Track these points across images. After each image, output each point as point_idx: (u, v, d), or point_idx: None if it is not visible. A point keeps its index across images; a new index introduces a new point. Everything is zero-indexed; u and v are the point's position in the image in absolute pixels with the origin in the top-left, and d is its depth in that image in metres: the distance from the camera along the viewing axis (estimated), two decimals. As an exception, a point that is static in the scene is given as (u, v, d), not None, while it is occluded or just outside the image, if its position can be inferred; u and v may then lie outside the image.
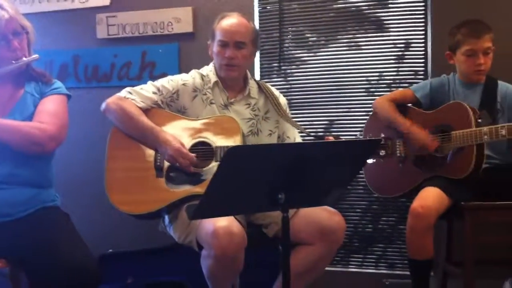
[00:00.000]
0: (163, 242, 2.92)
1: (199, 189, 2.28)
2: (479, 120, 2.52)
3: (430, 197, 2.47)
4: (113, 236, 3.58)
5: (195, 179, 2.33)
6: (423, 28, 3.23)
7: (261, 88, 2.57)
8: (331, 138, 2.23)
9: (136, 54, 3.61)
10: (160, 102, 2.46)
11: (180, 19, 3.54)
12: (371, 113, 2.93)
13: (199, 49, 3.48)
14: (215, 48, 2.48)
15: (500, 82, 2.69)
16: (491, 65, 2.64)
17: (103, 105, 2.46)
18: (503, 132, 2.42)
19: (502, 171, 2.60)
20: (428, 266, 2.53)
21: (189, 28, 3.52)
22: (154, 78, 2.55)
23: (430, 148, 2.60)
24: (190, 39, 3.54)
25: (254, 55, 2.56)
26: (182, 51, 3.55)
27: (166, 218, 2.42)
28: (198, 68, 2.59)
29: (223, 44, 2.44)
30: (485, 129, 2.46)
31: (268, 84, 2.64)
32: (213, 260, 2.10)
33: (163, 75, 2.70)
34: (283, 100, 2.61)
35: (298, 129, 2.54)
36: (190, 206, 2.28)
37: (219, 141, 2.37)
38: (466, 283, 2.50)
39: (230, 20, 2.47)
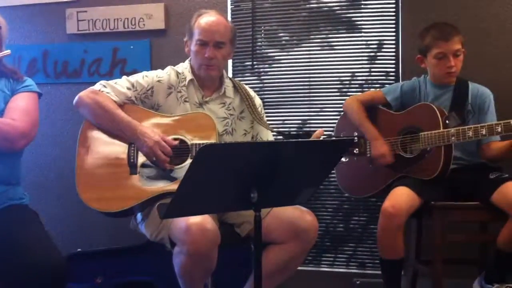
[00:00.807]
0: (134, 241, 2.89)
1: (173, 186, 2.25)
2: (447, 122, 2.56)
3: (401, 197, 2.49)
4: (85, 235, 3.54)
5: (169, 176, 2.30)
6: (394, 29, 3.26)
7: (236, 88, 2.55)
8: (321, 132, 2.23)
9: (107, 50, 3.57)
10: (134, 98, 2.43)
11: (152, 15, 3.50)
12: (343, 112, 2.94)
13: (171, 46, 3.46)
14: (193, 47, 2.44)
15: (470, 84, 2.73)
16: (461, 66, 2.67)
17: (76, 99, 2.41)
18: (470, 133, 2.46)
19: (470, 171, 2.64)
20: (399, 265, 2.56)
21: (161, 25, 3.49)
22: (125, 74, 2.50)
23: (386, 162, 2.65)
24: (162, 35, 3.50)
25: (232, 53, 2.55)
26: (154, 47, 3.51)
27: (139, 215, 2.39)
28: (170, 65, 2.56)
29: (203, 44, 2.41)
30: (452, 130, 2.50)
31: (244, 84, 2.62)
32: (185, 257, 2.08)
33: (134, 71, 2.67)
34: (258, 101, 2.60)
35: (273, 132, 2.53)
36: (161, 205, 2.24)
37: (194, 138, 2.34)
38: (435, 282, 2.53)
39: (209, 18, 2.44)
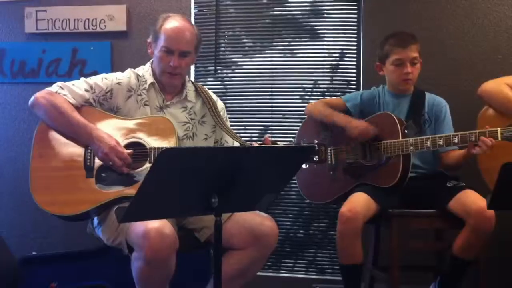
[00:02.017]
0: (91, 245, 2.84)
1: (131, 190, 2.22)
2: (406, 131, 2.60)
3: (358, 202, 2.52)
4: (40, 238, 3.45)
5: (127, 180, 2.27)
6: (356, 39, 3.31)
7: (198, 92, 2.53)
8: (268, 140, 2.23)
9: (66, 50, 3.50)
10: (92, 100, 2.38)
11: (113, 17, 3.46)
12: (304, 119, 2.96)
13: (132, 48, 3.42)
14: (158, 52, 2.40)
15: (427, 94, 2.79)
16: (420, 77, 2.73)
17: (32, 100, 2.35)
18: (428, 143, 2.51)
19: (428, 179, 2.69)
20: (358, 270, 2.58)
21: (122, 27, 3.45)
22: (84, 76, 2.46)
23: (371, 131, 2.63)
24: (124, 37, 3.47)
25: (195, 59, 2.54)
26: (115, 49, 3.47)
27: (95, 219, 2.34)
28: (130, 68, 2.52)
29: (168, 52, 2.38)
30: (411, 140, 2.55)
31: (206, 88, 2.61)
32: (143, 262, 2.05)
33: (94, 73, 2.63)
34: (220, 104, 2.58)
35: (233, 136, 2.50)
36: (119, 209, 2.21)
37: (153, 142, 2.32)
38: (391, 287, 2.56)
39: (176, 25, 2.40)
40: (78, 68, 3.49)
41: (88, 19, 3.48)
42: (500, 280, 2.88)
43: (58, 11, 3.51)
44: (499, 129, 2.37)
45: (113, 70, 3.30)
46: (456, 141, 2.46)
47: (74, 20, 3.49)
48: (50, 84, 2.41)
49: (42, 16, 3.52)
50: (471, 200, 2.45)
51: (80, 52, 3.49)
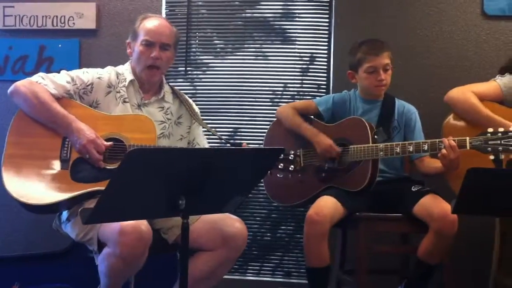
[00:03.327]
0: (53, 247, 2.79)
1: (105, 185, 2.19)
2: (376, 137, 2.63)
3: (325, 205, 2.53)
4: (1, 239, 3.37)
5: (103, 175, 2.25)
6: (326, 43, 3.33)
7: (175, 94, 2.55)
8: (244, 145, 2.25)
9: (33, 47, 3.44)
10: (72, 92, 2.37)
11: (82, 15, 3.41)
12: (273, 121, 2.95)
13: (101, 47, 3.38)
14: (138, 47, 2.43)
15: (397, 100, 2.82)
16: (390, 84, 2.76)
17: (12, 88, 2.33)
18: (398, 150, 2.53)
19: (394, 184, 2.71)
20: (324, 273, 2.59)
21: (91, 25, 3.41)
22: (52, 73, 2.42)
23: (334, 152, 2.65)
24: (93, 36, 3.42)
25: (174, 59, 2.55)
26: (83, 47, 3.43)
27: (64, 214, 2.31)
28: (99, 67, 2.50)
29: (149, 44, 2.41)
30: (381, 145, 2.57)
31: (182, 92, 2.62)
32: (117, 259, 2.04)
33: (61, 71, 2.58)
34: (196, 108, 2.62)
35: (212, 132, 2.55)
36: (84, 210, 2.17)
37: (133, 139, 2.30)
38: (358, 291, 2.58)
39: (155, 21, 2.46)
40: (45, 66, 3.43)
41: (57, 16, 3.42)
42: (464, 283, 2.93)
43: (26, 7, 3.44)
44: (467, 138, 2.40)
45: (80, 68, 3.25)
46: (425, 148, 2.49)
47: (42, 16, 3.43)
48: (16, 81, 2.36)
49: (10, 12, 3.45)
50: (435, 204, 2.48)
51: (47, 49, 3.43)
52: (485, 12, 3.16)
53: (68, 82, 2.36)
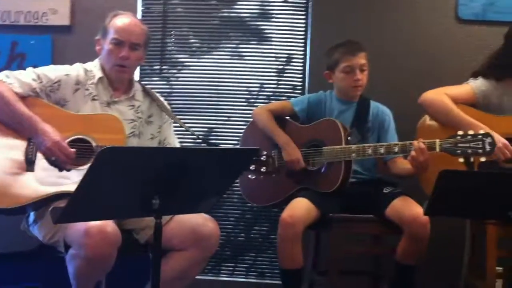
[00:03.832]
0: (24, 247, 2.74)
1: (72, 187, 2.14)
2: (349, 138, 2.64)
3: (299, 208, 2.54)
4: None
5: (69, 177, 2.21)
6: (303, 44, 3.34)
7: (146, 92, 2.52)
8: None
9: (4, 43, 3.38)
10: (38, 90, 2.31)
11: (56, 11, 3.36)
12: (250, 122, 2.95)
13: (75, 44, 3.33)
14: (107, 46, 2.39)
15: (372, 102, 2.84)
16: (366, 87, 2.78)
17: None
18: (369, 151, 2.55)
19: (367, 185, 2.73)
20: (298, 275, 2.59)
21: (65, 21, 3.35)
22: (24, 70, 2.38)
23: (298, 166, 2.68)
24: (66, 32, 3.37)
25: (144, 58, 2.52)
26: (57, 44, 3.37)
27: (31, 216, 2.27)
28: (74, 63, 2.47)
29: (118, 43, 2.37)
30: (353, 147, 2.59)
31: (153, 91, 2.59)
32: (82, 261, 2.01)
33: (34, 67, 2.53)
34: (168, 107, 2.59)
35: (186, 129, 2.54)
36: (55, 209, 2.14)
37: (100, 139, 2.26)
38: (330, 292, 2.60)
39: (126, 19, 2.42)
40: (17, 62, 3.36)
41: (30, 12, 3.36)
42: (435, 284, 2.96)
43: (-3, 2, 3.39)
44: (437, 140, 2.43)
45: (53, 65, 3.20)
46: (396, 150, 2.51)
47: (15, 12, 3.37)
48: (-14, 77, 2.32)
49: (-20, 7, 3.39)
50: (406, 207, 2.50)
51: (20, 45, 3.37)
52: (459, 17, 3.20)
53: (34, 80, 2.31)
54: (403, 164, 2.66)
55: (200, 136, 3.18)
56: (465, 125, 2.52)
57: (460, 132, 2.38)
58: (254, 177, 2.60)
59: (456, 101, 2.66)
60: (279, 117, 2.84)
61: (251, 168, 2.44)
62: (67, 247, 2.11)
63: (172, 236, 2.18)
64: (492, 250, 2.50)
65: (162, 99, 2.58)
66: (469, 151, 2.34)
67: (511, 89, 2.67)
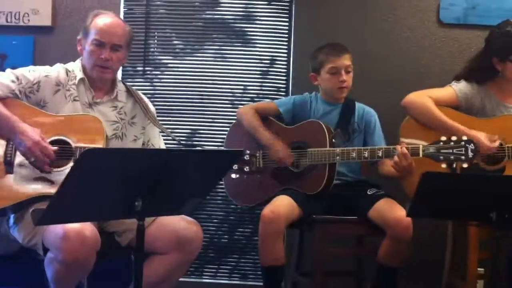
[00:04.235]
0: (2, 250, 2.71)
1: (52, 189, 2.13)
2: (333, 140, 2.65)
3: (281, 204, 2.55)
4: None
5: (48, 178, 2.18)
6: (286, 46, 3.35)
7: (130, 93, 2.49)
8: None
9: (-15, 44, 3.34)
10: (18, 92, 2.28)
11: (38, 11, 3.32)
12: (233, 122, 2.95)
13: (57, 45, 3.30)
14: (88, 46, 2.36)
15: (357, 104, 2.85)
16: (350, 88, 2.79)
17: None
18: (354, 154, 2.57)
19: (351, 187, 2.74)
20: (279, 272, 2.59)
21: (47, 22, 3.32)
22: (4, 71, 2.35)
23: (287, 162, 2.67)
24: (48, 33, 3.33)
25: (127, 57, 2.49)
26: (38, 45, 3.33)
27: (11, 218, 2.24)
28: (54, 65, 2.44)
29: (99, 44, 2.34)
30: (337, 150, 2.60)
31: (138, 91, 2.56)
32: (60, 265, 1.99)
33: (15, 68, 2.50)
34: (152, 108, 2.55)
35: (169, 135, 2.50)
36: (36, 211, 2.11)
37: (79, 140, 2.23)
38: (313, 293, 2.60)
39: (107, 19, 2.38)
40: (-2, 62, 3.33)
41: (11, 12, 3.32)
42: (417, 285, 2.98)
43: (-22, 2, 3.34)
44: (421, 146, 2.44)
45: (35, 65, 3.17)
46: (380, 154, 2.53)
47: (-4, 12, 3.33)
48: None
49: (-40, 6, 3.34)
50: (389, 209, 2.52)
51: (1, 46, 3.32)
52: (441, 20, 3.23)
53: (13, 82, 2.28)
54: (390, 166, 2.68)
55: (179, 139, 3.16)
56: (446, 128, 2.55)
57: (443, 138, 2.39)
58: (237, 176, 2.60)
59: (439, 103, 2.69)
60: (263, 118, 2.84)
61: (234, 167, 2.43)
62: (46, 250, 2.08)
63: (154, 239, 2.16)
64: (474, 251, 2.53)
65: (146, 99, 2.55)
66: (452, 157, 2.35)
67: (492, 92, 2.71)
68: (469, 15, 3.19)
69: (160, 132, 2.56)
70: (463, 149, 2.33)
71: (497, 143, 2.52)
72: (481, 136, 2.50)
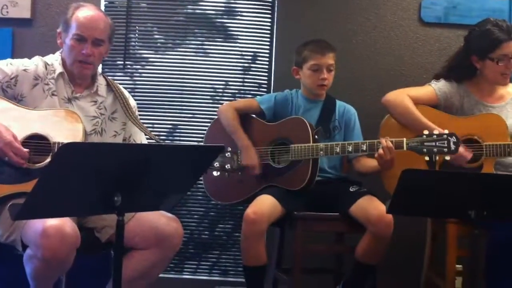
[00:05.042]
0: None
1: (28, 186, 2.08)
2: (316, 137, 2.66)
3: (264, 204, 2.55)
4: None
5: (26, 175, 2.14)
6: (268, 42, 3.34)
7: (110, 87, 2.44)
8: None
9: (-37, 35, 3.27)
10: None
11: (16, 3, 3.26)
12: (215, 119, 2.93)
13: (36, 37, 3.25)
14: (69, 40, 2.31)
15: (338, 101, 2.87)
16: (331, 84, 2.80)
17: None
18: (337, 149, 2.58)
19: (333, 184, 2.75)
20: (261, 272, 2.60)
21: (26, 14, 3.26)
22: (-19, 63, 2.31)
23: (257, 170, 2.69)
24: (27, 25, 3.28)
25: (108, 51, 2.45)
26: (17, 37, 3.28)
27: None
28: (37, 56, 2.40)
29: (81, 39, 2.29)
30: (321, 145, 2.60)
31: (119, 84, 2.52)
32: (40, 261, 1.96)
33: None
34: (133, 102, 2.51)
35: (146, 133, 2.45)
36: (14, 205, 2.08)
37: (58, 136, 2.19)
38: (293, 289, 2.60)
39: (88, 13, 2.32)
40: (-26, 55, 3.27)
41: (-11, 4, 3.27)
42: (396, 282, 3.00)
43: (-46, -7, 3.27)
44: (404, 139, 2.47)
45: (13, 58, 3.12)
46: (364, 148, 2.55)
47: (-27, 4, 3.27)
48: None
49: None
50: (371, 206, 2.53)
51: (-22, 38, 3.27)
52: (422, 19, 3.25)
53: None
54: (367, 162, 2.70)
55: (158, 137, 3.13)
56: (421, 126, 2.57)
57: (426, 132, 2.44)
58: (218, 174, 2.59)
59: (418, 102, 2.71)
60: (245, 115, 2.84)
61: (215, 165, 2.42)
62: (25, 246, 2.05)
63: (134, 235, 2.15)
64: (452, 248, 2.56)
65: (127, 94, 2.51)
66: (435, 149, 2.42)
67: (471, 91, 2.73)
68: (450, 14, 3.22)
69: (145, 123, 2.52)
70: (446, 141, 2.40)
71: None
72: None
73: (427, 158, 2.43)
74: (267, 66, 3.35)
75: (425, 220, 2.88)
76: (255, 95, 3.27)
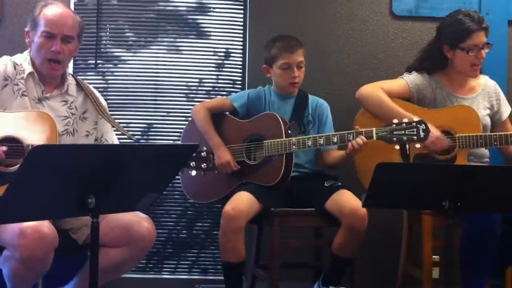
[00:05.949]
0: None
1: (2, 190, 2.05)
2: (289, 131, 2.67)
3: (242, 201, 2.55)
4: None
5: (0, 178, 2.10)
6: (242, 38, 3.33)
7: (80, 86, 2.41)
8: None
9: None
10: None
11: (-16, 3, 3.20)
12: (190, 119, 2.93)
13: (5, 38, 3.18)
14: (37, 38, 2.27)
15: (310, 96, 2.87)
16: (303, 79, 2.80)
17: None
18: (309, 143, 2.60)
19: (308, 179, 2.76)
20: (240, 268, 2.61)
21: (-6, 14, 3.20)
22: None
23: (230, 168, 2.69)
24: (-5, 26, 3.22)
25: (78, 50, 2.41)
26: (-15, 38, 3.22)
27: None
28: (5, 56, 2.36)
29: (49, 36, 2.25)
30: (293, 139, 2.61)
31: (87, 83, 2.49)
32: (18, 262, 1.95)
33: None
34: (103, 102, 2.49)
35: (120, 131, 2.43)
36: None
37: (31, 138, 2.15)
38: (271, 285, 2.61)
39: (57, 10, 2.29)
40: None
41: (-46, 4, 3.19)
42: (373, 274, 3.03)
43: None
44: (374, 129, 2.50)
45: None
46: (335, 140, 2.57)
47: None
48: None
49: None
50: (345, 200, 2.55)
51: None
52: (393, 13, 3.27)
53: None
54: (335, 153, 2.72)
55: (135, 137, 3.10)
56: (399, 117, 2.59)
57: (395, 121, 2.47)
58: (195, 173, 2.58)
59: (391, 95, 2.73)
60: (218, 114, 2.83)
61: (191, 164, 2.41)
62: (1, 248, 2.04)
63: (104, 234, 2.10)
64: (428, 239, 2.60)
65: (97, 93, 2.48)
66: (404, 138, 2.44)
67: (442, 82, 2.77)
68: (421, 7, 3.25)
69: (113, 127, 2.49)
70: (415, 129, 2.42)
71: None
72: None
73: (397, 147, 2.46)
74: (241, 63, 3.34)
75: (401, 212, 2.91)
76: (230, 92, 3.26)
